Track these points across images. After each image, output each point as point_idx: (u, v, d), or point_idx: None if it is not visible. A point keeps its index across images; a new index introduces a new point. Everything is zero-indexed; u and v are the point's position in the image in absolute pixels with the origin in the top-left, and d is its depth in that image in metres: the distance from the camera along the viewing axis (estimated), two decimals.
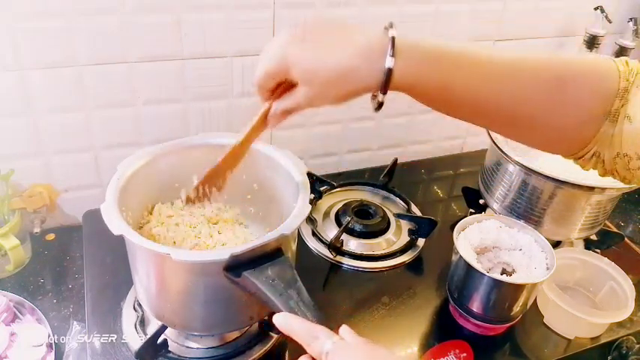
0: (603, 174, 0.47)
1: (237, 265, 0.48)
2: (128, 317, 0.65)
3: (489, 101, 0.44)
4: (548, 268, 0.64)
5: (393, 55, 0.41)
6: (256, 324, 0.64)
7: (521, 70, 0.43)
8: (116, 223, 0.50)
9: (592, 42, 0.98)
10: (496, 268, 0.68)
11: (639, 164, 0.42)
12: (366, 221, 0.83)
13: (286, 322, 0.43)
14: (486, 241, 0.69)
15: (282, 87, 0.47)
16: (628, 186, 0.71)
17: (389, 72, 0.41)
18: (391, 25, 0.42)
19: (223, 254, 0.47)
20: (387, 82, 0.42)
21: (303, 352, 0.41)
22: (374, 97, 0.46)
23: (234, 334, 0.64)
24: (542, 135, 0.46)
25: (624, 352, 0.70)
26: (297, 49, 0.43)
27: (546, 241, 0.67)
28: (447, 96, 0.44)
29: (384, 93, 0.43)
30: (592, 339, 0.70)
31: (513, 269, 0.67)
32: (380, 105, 0.45)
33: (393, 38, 0.41)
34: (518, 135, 0.48)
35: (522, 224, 0.70)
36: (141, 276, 0.56)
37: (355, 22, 0.45)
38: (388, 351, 0.40)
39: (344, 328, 0.43)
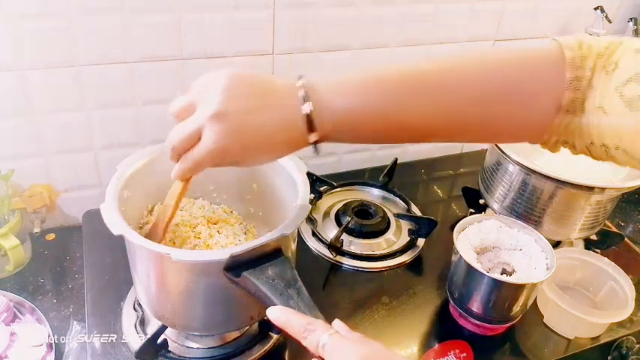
0: (575, 154, 0.46)
1: (237, 265, 0.48)
2: (128, 317, 0.65)
3: (425, 121, 0.43)
4: (548, 268, 0.64)
5: (307, 100, 0.41)
6: (256, 324, 0.64)
7: (452, 86, 0.42)
8: (116, 223, 0.50)
9: None
10: (496, 268, 0.68)
11: (619, 153, 0.40)
12: (366, 221, 0.83)
13: (281, 315, 0.43)
14: (486, 241, 0.69)
15: None
16: (628, 186, 0.71)
17: (308, 116, 0.41)
18: (302, 87, 0.42)
19: (223, 254, 0.48)
20: (309, 124, 0.41)
21: (302, 352, 0.41)
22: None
23: (234, 334, 0.64)
24: (489, 138, 0.48)
25: (624, 352, 0.70)
26: (214, 137, 0.42)
27: (546, 241, 0.67)
28: (381, 124, 0.43)
29: (315, 144, 0.43)
30: (592, 339, 0.70)
31: (513, 269, 0.67)
32: (316, 143, 0.44)
33: (308, 114, 0.41)
34: (465, 140, 0.50)
35: (522, 224, 0.70)
36: (141, 276, 0.56)
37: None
38: (383, 346, 0.40)
39: (337, 323, 0.43)
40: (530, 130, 0.44)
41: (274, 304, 0.46)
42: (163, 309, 0.57)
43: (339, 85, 0.42)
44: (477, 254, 0.68)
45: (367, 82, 0.43)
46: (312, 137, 0.42)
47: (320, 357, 0.40)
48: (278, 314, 0.43)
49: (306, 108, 0.41)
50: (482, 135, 0.48)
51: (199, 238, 0.61)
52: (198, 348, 0.62)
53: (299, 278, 0.48)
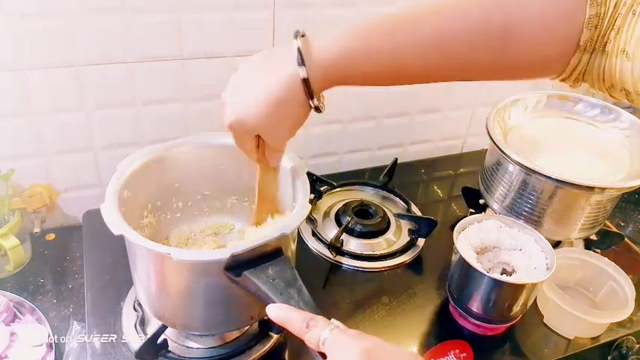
0: (596, 91, 0.45)
1: (237, 265, 0.48)
2: (128, 317, 0.65)
3: (431, 60, 0.43)
4: (548, 268, 0.64)
5: (302, 64, 0.43)
6: (256, 324, 0.64)
7: (460, 21, 0.42)
8: (116, 223, 0.50)
9: None
10: (496, 268, 0.68)
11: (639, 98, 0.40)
12: (366, 221, 0.83)
13: (281, 312, 0.43)
14: (486, 241, 0.69)
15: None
16: (628, 186, 0.71)
17: (305, 81, 0.43)
18: (297, 35, 0.44)
19: (224, 254, 0.48)
20: (307, 89, 0.43)
21: (302, 352, 0.41)
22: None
23: (235, 334, 0.64)
24: (502, 74, 0.45)
25: (624, 352, 0.70)
26: (230, 110, 0.46)
27: (546, 241, 0.67)
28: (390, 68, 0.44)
29: (311, 98, 0.44)
30: (592, 339, 0.70)
31: (513, 269, 0.67)
32: (317, 108, 0.46)
33: (299, 49, 0.43)
34: (480, 78, 0.47)
35: (522, 224, 0.70)
36: (141, 276, 0.56)
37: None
38: (382, 340, 0.40)
39: (334, 321, 0.43)
40: (545, 67, 0.44)
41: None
42: (163, 309, 0.57)
43: (332, 37, 0.44)
44: (477, 254, 0.68)
45: (358, 26, 0.44)
46: (313, 102, 0.44)
47: (321, 352, 0.40)
48: (277, 311, 0.43)
49: (302, 73, 0.43)
50: (492, 72, 0.45)
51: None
52: (198, 348, 0.62)
53: (299, 278, 0.48)
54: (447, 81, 0.46)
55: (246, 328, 0.64)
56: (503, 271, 0.67)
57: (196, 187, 0.68)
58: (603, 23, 0.39)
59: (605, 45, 0.40)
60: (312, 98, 0.44)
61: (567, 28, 0.40)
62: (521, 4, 0.41)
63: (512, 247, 0.69)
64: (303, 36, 0.44)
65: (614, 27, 0.39)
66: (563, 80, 0.45)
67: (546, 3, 0.40)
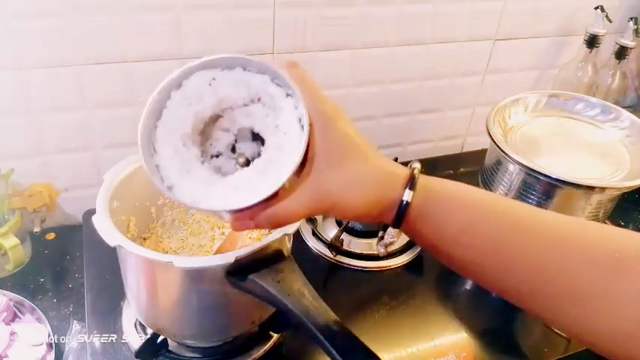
0: None
1: (241, 269, 0.48)
2: (128, 317, 0.65)
3: (524, 268, 0.36)
4: (302, 126, 0.37)
5: (412, 188, 0.37)
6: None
7: (571, 239, 0.35)
8: (112, 234, 0.49)
9: (592, 41, 0.98)
10: (228, 150, 0.41)
11: None
12: None
13: None
14: (205, 111, 0.40)
15: None
16: (628, 186, 0.71)
17: (405, 205, 0.37)
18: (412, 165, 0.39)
19: (228, 258, 0.47)
20: (400, 215, 0.37)
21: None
22: (380, 238, 0.44)
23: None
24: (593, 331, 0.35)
25: None
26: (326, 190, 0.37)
27: (287, 77, 0.38)
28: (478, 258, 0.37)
29: (397, 227, 0.39)
30: None
31: (260, 150, 0.40)
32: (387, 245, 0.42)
33: (413, 170, 0.38)
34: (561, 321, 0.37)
35: (245, 58, 0.39)
36: (139, 289, 0.56)
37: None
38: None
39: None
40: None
41: (284, 306, 0.45)
42: (162, 320, 0.56)
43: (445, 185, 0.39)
44: (202, 135, 0.41)
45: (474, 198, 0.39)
46: (407, 195, 0.37)
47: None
48: None
49: (407, 196, 0.37)
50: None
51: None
52: (197, 347, 0.62)
53: (305, 278, 0.48)
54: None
55: None
56: (242, 158, 0.40)
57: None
58: None
59: None
60: (398, 223, 0.38)
61: None
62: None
63: (246, 99, 0.40)
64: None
65: None
66: None
67: None
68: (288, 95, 0.38)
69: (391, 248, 0.80)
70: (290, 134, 0.37)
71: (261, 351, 0.63)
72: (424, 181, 0.38)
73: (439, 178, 0.40)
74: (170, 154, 0.39)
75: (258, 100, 0.39)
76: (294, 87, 0.37)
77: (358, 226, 0.82)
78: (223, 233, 0.67)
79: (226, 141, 0.41)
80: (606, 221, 0.83)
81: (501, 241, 0.36)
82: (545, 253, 0.35)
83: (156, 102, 0.40)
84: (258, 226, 0.37)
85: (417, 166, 0.39)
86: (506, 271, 0.37)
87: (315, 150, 0.36)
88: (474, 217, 0.37)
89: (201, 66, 0.39)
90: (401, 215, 0.38)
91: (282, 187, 0.35)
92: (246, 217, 0.37)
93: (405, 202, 0.37)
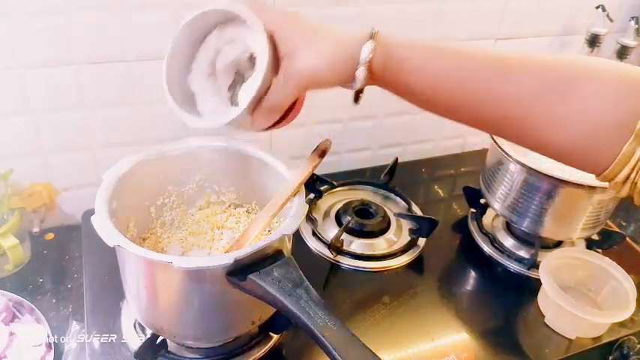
0: None
1: (240, 269, 0.48)
2: (127, 317, 0.64)
3: (469, 97, 0.42)
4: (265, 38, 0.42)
5: (372, 38, 0.42)
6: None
7: (518, 66, 0.40)
8: (111, 234, 0.49)
9: (593, 41, 0.98)
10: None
11: None
12: (366, 221, 0.83)
13: None
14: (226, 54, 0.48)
15: None
16: None
17: (369, 60, 0.42)
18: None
19: (227, 258, 0.47)
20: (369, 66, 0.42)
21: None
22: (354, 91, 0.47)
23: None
24: (548, 144, 0.41)
25: (626, 352, 0.70)
26: (313, 55, 0.43)
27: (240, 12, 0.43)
28: (432, 89, 0.43)
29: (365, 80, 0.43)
30: (593, 339, 0.70)
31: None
32: (357, 96, 0.46)
33: (374, 32, 0.42)
34: (519, 140, 0.43)
35: None
36: (139, 289, 0.55)
37: (355, 21, 0.46)
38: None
39: None
40: (592, 147, 0.39)
41: (284, 306, 0.45)
42: (162, 321, 0.56)
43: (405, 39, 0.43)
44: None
45: (435, 43, 0.43)
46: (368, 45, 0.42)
47: None
48: None
49: (370, 46, 0.42)
50: (532, 134, 0.42)
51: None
52: (197, 348, 0.62)
53: (305, 277, 0.48)
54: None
55: None
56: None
57: (196, 193, 0.68)
58: None
59: None
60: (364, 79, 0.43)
61: (621, 108, 0.37)
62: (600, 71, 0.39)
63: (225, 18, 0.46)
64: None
65: None
66: (607, 178, 0.39)
67: (613, 70, 0.38)
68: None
69: (393, 248, 0.80)
70: (261, 49, 0.43)
71: (261, 351, 0.62)
72: (382, 36, 0.43)
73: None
74: (202, 83, 0.48)
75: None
76: (248, 19, 0.43)
77: (359, 226, 0.81)
78: (222, 233, 0.67)
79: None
80: (608, 221, 0.83)
81: (452, 71, 0.42)
82: (496, 79, 0.40)
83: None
84: (263, 118, 0.44)
85: (376, 29, 0.43)
86: (459, 102, 0.43)
87: (285, 44, 0.43)
88: (430, 55, 0.43)
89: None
90: (365, 60, 0.42)
91: (263, 83, 0.42)
92: (258, 114, 0.44)
93: (369, 47, 0.42)
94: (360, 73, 0.43)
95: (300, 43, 0.42)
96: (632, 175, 0.37)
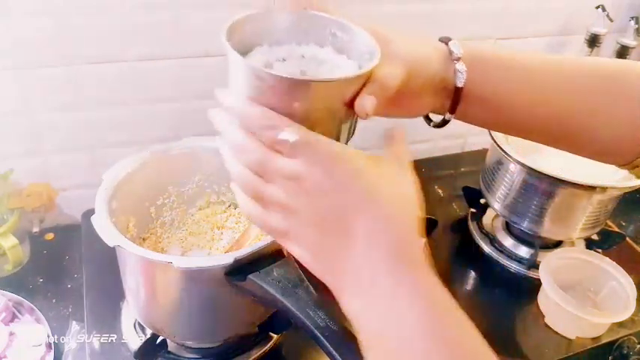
0: None
1: (240, 269, 0.48)
2: (127, 317, 0.64)
3: (541, 108, 0.42)
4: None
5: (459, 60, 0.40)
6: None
7: (571, 73, 0.42)
8: (111, 234, 0.49)
9: (593, 41, 0.98)
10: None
11: None
12: None
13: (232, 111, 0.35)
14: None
15: None
16: (630, 186, 0.70)
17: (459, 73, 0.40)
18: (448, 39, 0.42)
19: (227, 258, 0.47)
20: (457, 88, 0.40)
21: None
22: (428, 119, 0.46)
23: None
24: (594, 143, 0.44)
25: (625, 352, 0.70)
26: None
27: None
28: (499, 103, 0.42)
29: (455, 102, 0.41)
30: (593, 339, 0.70)
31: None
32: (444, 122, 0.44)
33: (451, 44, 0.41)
34: (569, 147, 0.46)
35: None
36: (138, 289, 0.56)
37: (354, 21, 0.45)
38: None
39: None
40: (633, 135, 0.42)
41: (283, 305, 0.45)
42: (162, 321, 0.56)
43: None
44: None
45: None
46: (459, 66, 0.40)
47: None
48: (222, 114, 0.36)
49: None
50: (586, 137, 0.44)
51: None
52: (197, 348, 0.62)
53: (305, 277, 0.48)
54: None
55: None
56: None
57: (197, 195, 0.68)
58: None
59: None
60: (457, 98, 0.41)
61: None
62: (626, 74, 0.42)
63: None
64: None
65: None
66: (635, 167, 0.44)
67: None
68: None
69: None
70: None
71: (261, 351, 0.62)
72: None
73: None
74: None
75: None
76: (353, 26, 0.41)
77: None
78: (222, 233, 0.67)
79: None
80: (608, 221, 0.83)
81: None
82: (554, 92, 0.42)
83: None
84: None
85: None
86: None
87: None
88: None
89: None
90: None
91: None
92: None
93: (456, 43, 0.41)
94: (460, 66, 0.40)
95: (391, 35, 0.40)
96: None
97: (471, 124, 0.45)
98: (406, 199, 0.34)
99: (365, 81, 0.36)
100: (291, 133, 0.32)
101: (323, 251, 0.33)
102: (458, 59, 0.40)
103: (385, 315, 0.31)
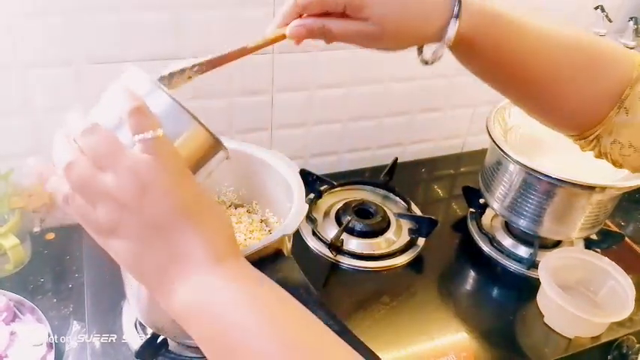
0: (598, 156, 0.50)
1: None
2: (128, 316, 0.65)
3: (530, 68, 0.46)
4: None
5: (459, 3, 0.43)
6: None
7: (561, 40, 0.47)
8: None
9: None
10: None
11: (630, 152, 0.46)
12: (366, 221, 0.83)
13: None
14: None
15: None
16: (629, 185, 0.71)
17: (456, 16, 0.43)
18: None
19: None
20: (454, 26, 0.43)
21: None
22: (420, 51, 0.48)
23: None
24: (561, 110, 0.48)
25: (624, 351, 0.70)
26: None
27: None
28: (497, 57, 0.46)
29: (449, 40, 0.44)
30: (592, 338, 0.70)
31: None
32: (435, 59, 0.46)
33: None
34: (538, 109, 0.50)
35: None
36: (140, 288, 0.55)
37: None
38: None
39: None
40: (594, 111, 0.46)
41: None
42: (163, 321, 0.56)
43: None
44: None
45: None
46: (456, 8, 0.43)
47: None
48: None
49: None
50: (555, 103, 0.48)
51: None
52: (198, 347, 0.62)
53: (305, 277, 0.48)
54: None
55: None
56: None
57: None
58: (634, 87, 0.44)
59: (623, 102, 0.45)
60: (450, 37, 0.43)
61: (620, 78, 0.45)
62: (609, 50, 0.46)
63: None
64: None
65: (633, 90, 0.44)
66: (583, 138, 0.49)
67: (616, 49, 0.46)
68: None
69: (393, 248, 0.80)
70: None
71: None
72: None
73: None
74: None
75: None
76: None
77: (359, 225, 0.82)
78: None
79: None
80: (607, 221, 0.84)
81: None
82: (544, 55, 0.46)
83: None
84: None
85: None
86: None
87: None
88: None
89: None
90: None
91: None
92: None
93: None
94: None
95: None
96: (600, 134, 0.47)
97: (460, 62, 0.49)
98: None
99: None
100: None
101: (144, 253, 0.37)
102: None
103: (210, 304, 0.37)
